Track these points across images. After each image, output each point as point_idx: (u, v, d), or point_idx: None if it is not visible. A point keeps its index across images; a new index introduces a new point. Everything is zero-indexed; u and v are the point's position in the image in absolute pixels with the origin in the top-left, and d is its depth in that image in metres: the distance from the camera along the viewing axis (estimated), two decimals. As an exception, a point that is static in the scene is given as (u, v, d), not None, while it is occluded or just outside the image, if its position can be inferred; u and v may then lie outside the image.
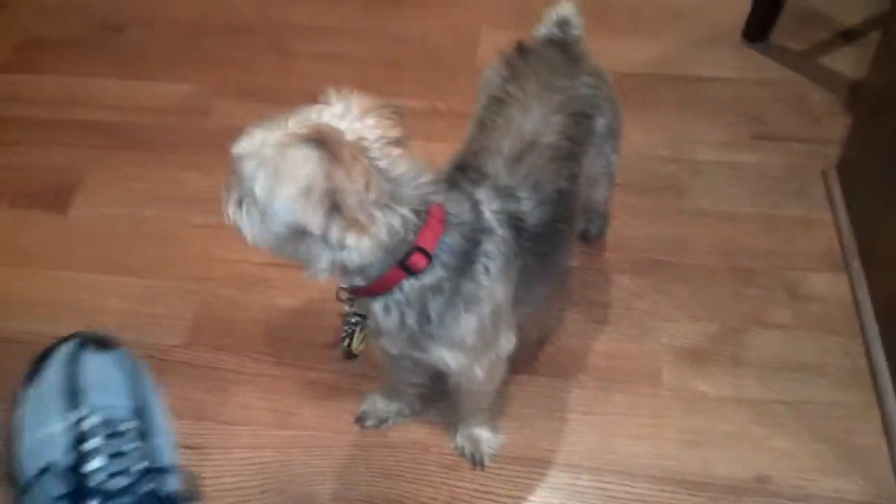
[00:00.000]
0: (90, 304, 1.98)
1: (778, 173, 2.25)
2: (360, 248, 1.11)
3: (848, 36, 2.64)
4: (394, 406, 1.72)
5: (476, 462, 1.67)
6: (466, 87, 1.81)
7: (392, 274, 1.21)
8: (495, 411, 1.71)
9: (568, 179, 1.45)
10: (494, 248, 1.28)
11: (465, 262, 1.25)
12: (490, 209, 1.29)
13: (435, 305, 1.25)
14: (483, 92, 1.58)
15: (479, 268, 1.26)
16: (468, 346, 1.34)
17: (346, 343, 1.47)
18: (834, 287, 1.98)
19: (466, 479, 1.66)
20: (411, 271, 1.21)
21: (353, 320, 1.40)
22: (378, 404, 1.72)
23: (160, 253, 2.08)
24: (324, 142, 1.06)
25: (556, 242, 1.46)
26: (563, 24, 1.62)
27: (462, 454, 1.68)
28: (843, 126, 2.26)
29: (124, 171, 2.28)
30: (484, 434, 1.67)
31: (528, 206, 1.35)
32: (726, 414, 1.76)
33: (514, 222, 1.32)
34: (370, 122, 1.13)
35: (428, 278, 1.22)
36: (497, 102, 1.49)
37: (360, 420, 1.73)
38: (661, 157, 2.29)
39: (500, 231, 1.29)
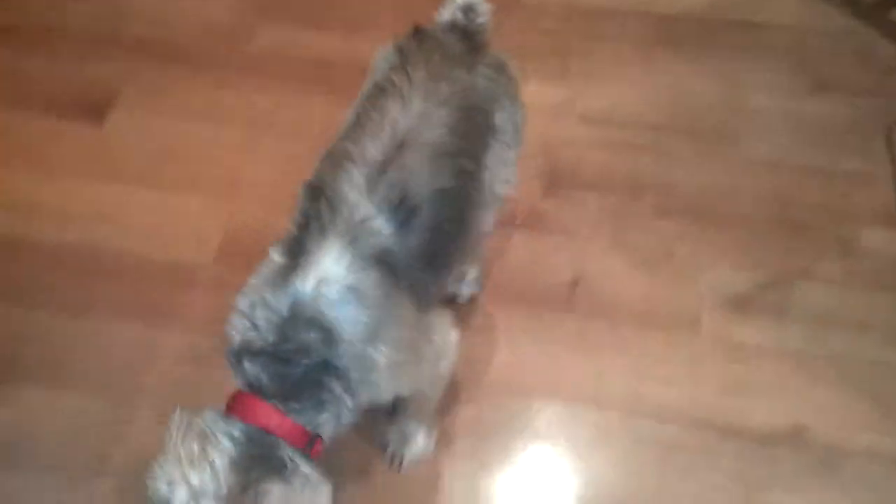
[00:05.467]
0: (120, 218, 1.96)
1: (838, 126, 2.14)
2: None
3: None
4: None
5: (394, 462, 1.56)
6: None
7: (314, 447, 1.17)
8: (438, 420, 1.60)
9: (454, 177, 1.28)
10: (349, 326, 1.13)
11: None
12: (334, 277, 1.13)
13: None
14: (369, 78, 1.40)
15: (342, 334, 1.13)
16: (409, 371, 1.26)
17: None
18: (888, 244, 1.88)
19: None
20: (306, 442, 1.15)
21: None
22: None
23: (191, 170, 2.05)
24: None
25: (447, 241, 1.30)
26: (467, 9, 1.44)
27: (383, 449, 1.57)
28: (911, 82, 2.15)
29: (162, 87, 2.24)
30: (418, 436, 1.56)
31: (389, 234, 1.18)
32: (766, 364, 1.69)
33: (380, 258, 1.17)
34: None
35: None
36: (378, 92, 1.31)
37: None
38: (715, 102, 2.19)
39: (357, 280, 1.14)
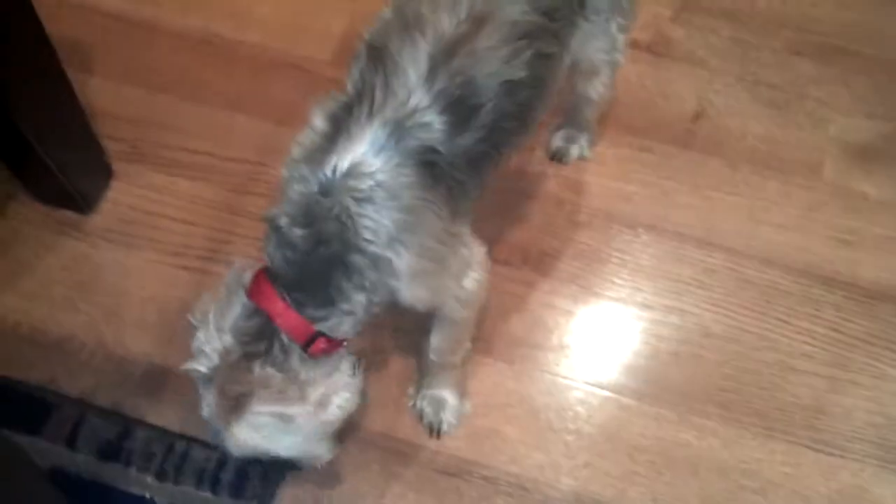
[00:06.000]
0: (243, 9, 1.94)
1: None
2: None
3: None
4: None
5: (433, 430, 1.48)
6: None
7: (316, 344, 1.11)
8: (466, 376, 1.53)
9: (529, 64, 1.14)
10: (378, 201, 1.04)
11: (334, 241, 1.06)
12: (368, 169, 1.04)
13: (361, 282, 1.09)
14: None
15: (362, 233, 1.05)
16: (430, 281, 1.17)
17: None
18: None
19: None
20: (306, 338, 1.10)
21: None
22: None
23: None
24: None
25: (504, 140, 1.18)
26: None
27: (421, 418, 1.49)
28: None
29: None
30: (449, 399, 1.48)
31: (440, 131, 1.06)
32: (885, 219, 1.65)
33: (423, 157, 1.06)
34: None
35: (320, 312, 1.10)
36: None
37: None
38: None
39: (391, 177, 1.04)
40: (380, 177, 1.03)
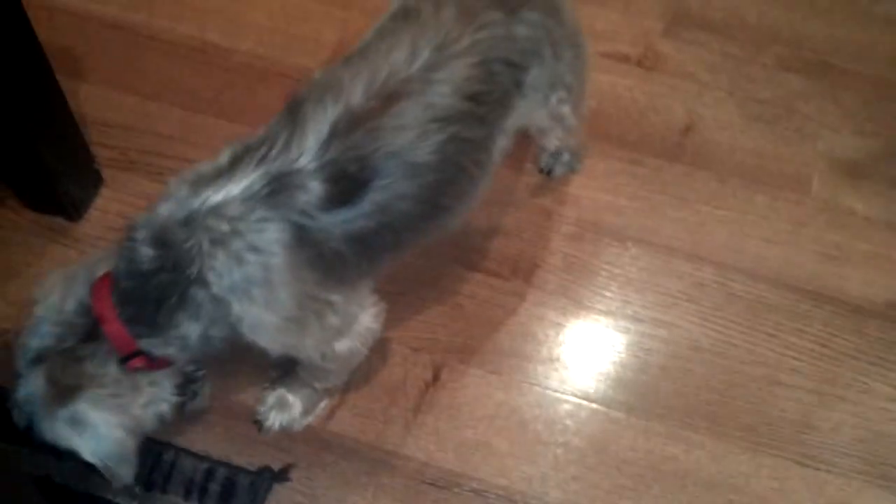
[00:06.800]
0: (236, 17, 1.94)
1: None
2: None
3: None
4: None
5: (259, 422, 1.45)
6: None
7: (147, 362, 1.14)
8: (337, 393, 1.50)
9: (440, 148, 1.11)
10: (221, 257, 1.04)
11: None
12: (231, 213, 1.04)
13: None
14: None
15: (206, 273, 1.05)
16: (279, 337, 1.16)
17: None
18: None
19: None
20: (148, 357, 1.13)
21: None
22: None
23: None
24: None
25: (401, 224, 1.14)
26: None
27: (258, 407, 1.46)
28: None
29: None
30: (296, 408, 1.44)
31: (318, 199, 1.05)
32: (872, 234, 1.66)
33: (293, 219, 1.05)
34: None
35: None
36: (401, 16, 1.17)
37: None
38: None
39: (250, 228, 1.04)
40: (240, 225, 1.03)
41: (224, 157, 1.09)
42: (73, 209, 1.65)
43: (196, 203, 1.04)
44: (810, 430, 1.49)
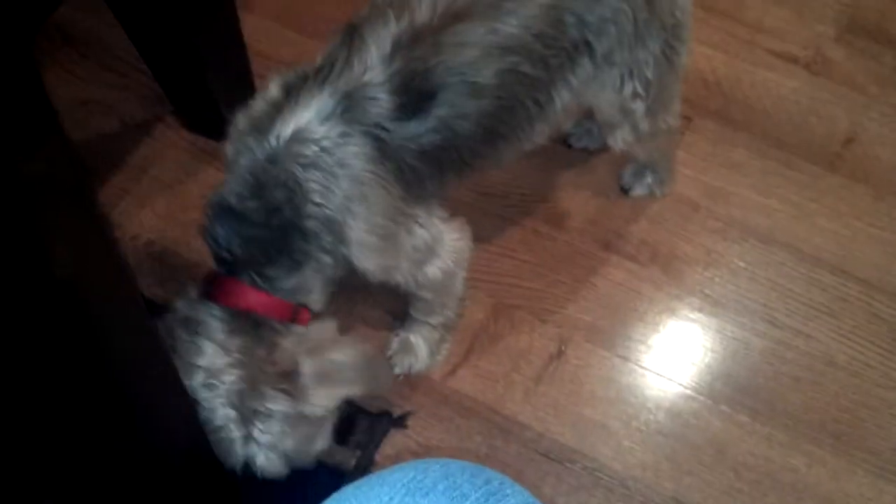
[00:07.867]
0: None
1: None
2: None
3: None
4: None
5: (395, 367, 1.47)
6: None
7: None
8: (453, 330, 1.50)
9: (500, 75, 1.10)
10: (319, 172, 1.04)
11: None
12: (312, 135, 1.03)
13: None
14: None
15: (311, 197, 1.05)
16: (379, 258, 1.16)
17: None
18: None
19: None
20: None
21: None
22: None
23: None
24: None
25: (464, 144, 1.13)
26: None
27: (385, 352, 1.47)
28: None
29: None
30: (420, 349, 1.45)
31: (388, 109, 1.05)
32: None
33: (370, 131, 1.05)
34: None
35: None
36: None
37: None
38: None
39: (335, 145, 1.04)
40: (325, 143, 1.03)
41: (275, 91, 1.09)
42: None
43: (272, 141, 1.04)
44: (940, 465, 1.44)
